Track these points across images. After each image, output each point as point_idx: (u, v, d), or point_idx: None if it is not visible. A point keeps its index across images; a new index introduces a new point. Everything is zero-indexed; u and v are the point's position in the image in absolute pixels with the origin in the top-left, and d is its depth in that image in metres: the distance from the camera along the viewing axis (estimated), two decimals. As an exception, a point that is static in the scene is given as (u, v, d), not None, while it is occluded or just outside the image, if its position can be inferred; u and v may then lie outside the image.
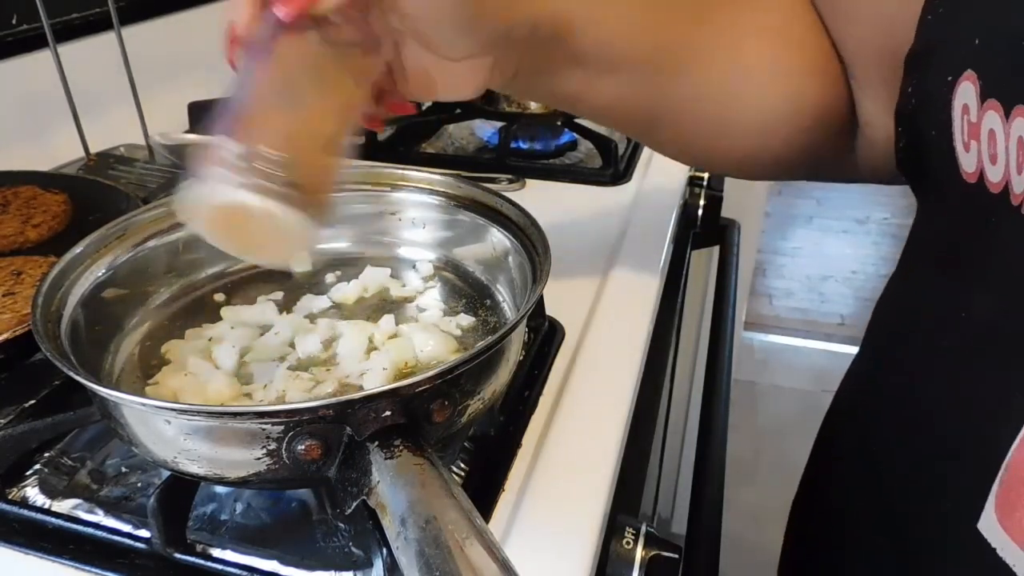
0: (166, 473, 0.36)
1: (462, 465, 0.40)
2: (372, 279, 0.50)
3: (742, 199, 1.18)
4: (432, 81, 0.40)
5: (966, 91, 0.30)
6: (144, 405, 0.34)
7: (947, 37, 0.33)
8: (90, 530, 0.37)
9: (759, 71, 0.45)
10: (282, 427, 0.31)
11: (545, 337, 0.49)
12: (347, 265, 0.52)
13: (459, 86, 0.40)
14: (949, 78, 0.31)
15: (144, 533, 0.36)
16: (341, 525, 0.37)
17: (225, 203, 0.31)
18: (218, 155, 0.31)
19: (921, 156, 0.36)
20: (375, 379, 0.41)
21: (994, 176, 0.30)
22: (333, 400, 0.31)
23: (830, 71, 0.45)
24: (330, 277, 0.51)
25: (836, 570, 0.45)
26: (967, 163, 0.31)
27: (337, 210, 0.53)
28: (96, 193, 0.62)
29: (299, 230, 0.32)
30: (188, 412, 0.32)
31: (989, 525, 0.30)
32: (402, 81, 0.40)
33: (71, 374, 0.33)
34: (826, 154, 0.48)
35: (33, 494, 0.39)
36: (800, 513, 0.54)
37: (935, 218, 0.38)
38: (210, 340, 0.44)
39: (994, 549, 0.30)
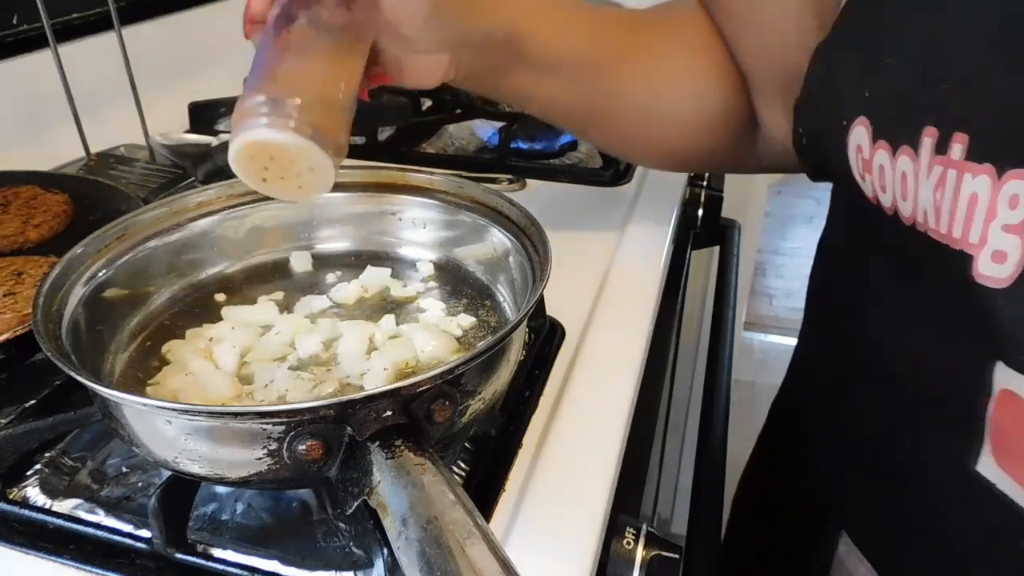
0: (167, 473, 0.36)
1: (463, 465, 0.40)
2: (372, 279, 0.50)
3: (742, 199, 1.18)
4: (400, 68, 0.46)
5: (859, 134, 0.36)
6: (145, 405, 0.34)
7: (834, 90, 0.39)
8: (91, 530, 0.37)
9: (673, 76, 0.53)
10: (283, 427, 0.31)
11: (546, 337, 0.49)
12: (347, 265, 0.52)
13: (421, 76, 0.46)
14: (844, 122, 0.37)
15: (145, 533, 0.36)
16: (342, 525, 0.37)
17: (257, 140, 0.35)
18: (247, 105, 0.36)
19: (827, 175, 0.43)
20: (376, 379, 0.41)
21: (885, 202, 0.36)
22: (334, 400, 0.31)
23: (734, 78, 0.52)
24: (330, 277, 0.51)
25: (822, 517, 0.49)
26: (866, 189, 0.37)
27: (337, 209, 0.53)
28: (96, 193, 0.62)
29: (321, 160, 0.36)
30: (189, 412, 0.32)
31: (986, 465, 0.35)
32: (379, 63, 0.46)
33: (72, 374, 0.33)
34: (734, 148, 0.55)
35: (34, 494, 0.39)
36: (753, 484, 0.62)
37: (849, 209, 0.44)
38: (211, 340, 0.44)
39: (992, 484, 0.35)
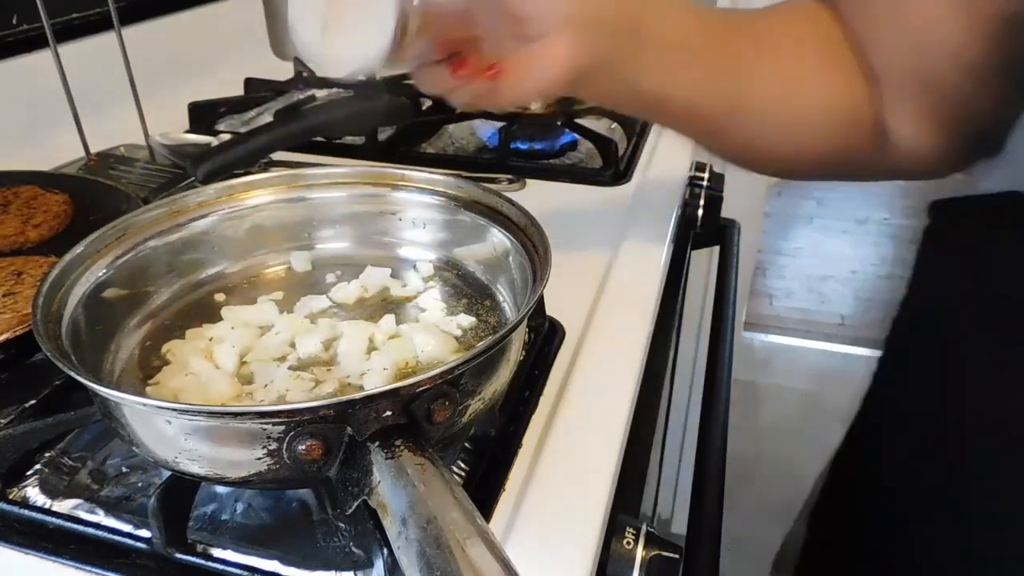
0: (167, 473, 0.36)
1: (463, 465, 0.40)
2: (372, 279, 0.50)
3: (742, 199, 1.18)
4: (510, 63, 0.41)
5: None
6: (145, 405, 0.34)
7: None
8: (91, 530, 0.37)
9: (802, 72, 0.50)
10: (283, 427, 0.31)
11: (545, 337, 0.49)
12: (347, 265, 0.52)
13: (534, 71, 0.40)
14: None
15: (145, 533, 0.36)
16: (342, 525, 0.37)
17: None
18: None
19: None
20: (376, 379, 0.41)
21: None
22: (334, 400, 0.31)
23: (860, 79, 0.49)
24: (330, 277, 0.51)
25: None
26: None
27: (337, 209, 0.53)
28: (96, 193, 0.62)
29: (388, 14, 0.37)
30: (189, 412, 0.32)
31: None
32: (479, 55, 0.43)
33: (72, 374, 0.33)
34: (860, 152, 0.52)
35: (34, 494, 0.39)
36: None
37: None
38: (211, 340, 0.44)
39: None
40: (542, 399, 0.45)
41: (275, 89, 0.96)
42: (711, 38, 0.48)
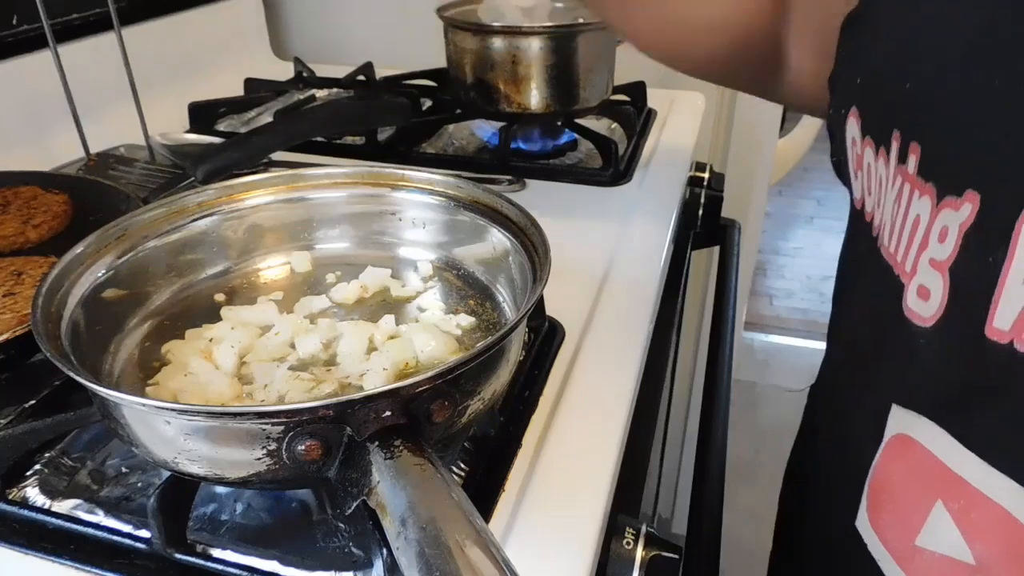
0: (166, 473, 0.36)
1: (462, 465, 0.40)
2: (372, 279, 0.50)
3: (742, 199, 1.18)
4: None
5: (851, 126, 0.34)
6: (144, 405, 0.34)
7: (841, 73, 0.37)
8: (90, 530, 0.37)
9: None
10: (282, 427, 0.31)
11: (545, 337, 0.49)
12: (347, 265, 0.52)
13: None
14: (843, 111, 0.35)
15: (144, 533, 0.36)
16: (341, 525, 0.37)
17: None
18: None
19: (840, 170, 0.41)
20: (375, 379, 0.41)
21: (868, 206, 0.33)
22: (333, 400, 0.31)
23: (760, 7, 0.50)
24: (330, 277, 0.51)
25: None
26: (856, 189, 0.35)
27: (337, 209, 0.53)
28: (96, 193, 0.62)
29: None
30: (188, 412, 0.32)
31: (863, 524, 0.34)
32: None
33: (71, 374, 0.33)
34: (757, 74, 0.54)
35: (33, 494, 0.39)
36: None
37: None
38: (210, 340, 0.44)
39: (866, 544, 0.34)
40: (542, 399, 0.45)
41: (275, 89, 0.96)
42: None
